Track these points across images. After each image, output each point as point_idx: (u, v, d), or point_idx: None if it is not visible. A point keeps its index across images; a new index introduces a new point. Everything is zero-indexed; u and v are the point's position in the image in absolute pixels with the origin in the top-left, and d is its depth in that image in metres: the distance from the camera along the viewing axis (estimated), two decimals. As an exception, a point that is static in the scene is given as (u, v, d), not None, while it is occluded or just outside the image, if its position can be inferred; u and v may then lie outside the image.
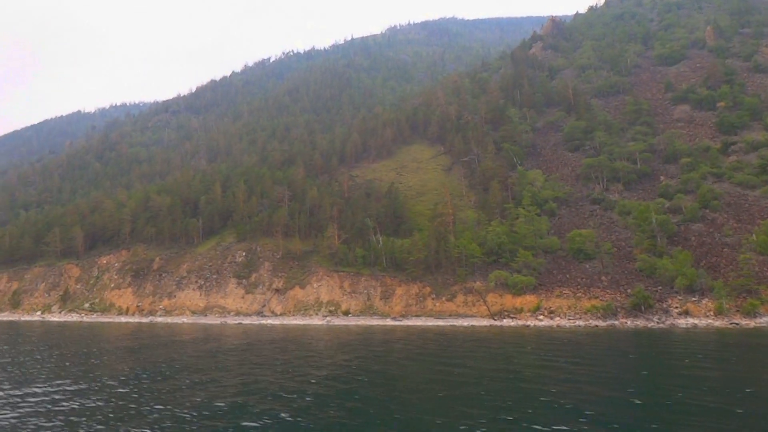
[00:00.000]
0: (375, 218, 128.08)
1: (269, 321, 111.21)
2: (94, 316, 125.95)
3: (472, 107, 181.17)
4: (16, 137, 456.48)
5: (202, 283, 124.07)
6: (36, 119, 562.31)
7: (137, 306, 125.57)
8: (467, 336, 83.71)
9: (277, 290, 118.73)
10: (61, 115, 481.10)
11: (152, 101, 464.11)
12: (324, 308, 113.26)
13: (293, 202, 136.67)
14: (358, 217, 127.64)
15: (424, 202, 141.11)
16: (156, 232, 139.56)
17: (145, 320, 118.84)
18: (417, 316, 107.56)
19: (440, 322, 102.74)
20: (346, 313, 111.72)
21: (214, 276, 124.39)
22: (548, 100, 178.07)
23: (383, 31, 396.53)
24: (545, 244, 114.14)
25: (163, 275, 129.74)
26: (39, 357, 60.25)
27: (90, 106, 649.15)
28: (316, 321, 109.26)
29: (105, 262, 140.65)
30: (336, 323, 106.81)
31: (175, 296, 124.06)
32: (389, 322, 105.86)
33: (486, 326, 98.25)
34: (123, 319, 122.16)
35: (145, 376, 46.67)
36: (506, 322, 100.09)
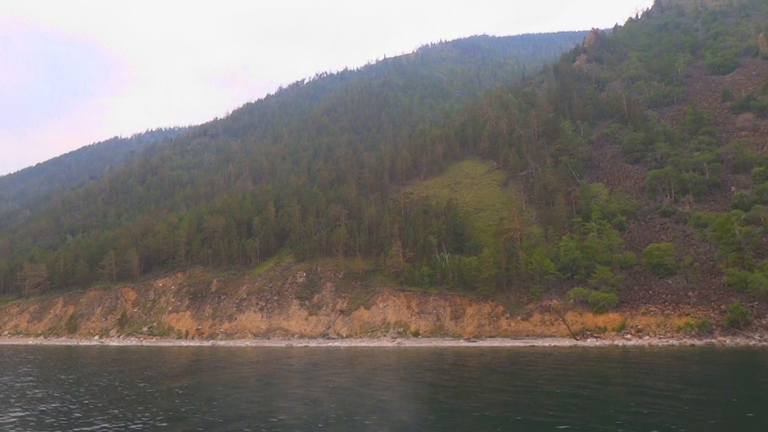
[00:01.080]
0: (436, 235, 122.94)
1: (336, 343, 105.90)
2: (154, 340, 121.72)
3: (521, 121, 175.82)
4: (57, 164, 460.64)
5: (263, 305, 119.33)
6: (75, 146, 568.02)
7: (197, 329, 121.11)
8: (561, 357, 77.59)
9: (341, 311, 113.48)
10: (99, 142, 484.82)
11: (187, 126, 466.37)
12: (392, 329, 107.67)
13: (350, 221, 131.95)
14: (420, 235, 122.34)
15: (482, 219, 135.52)
16: (212, 253, 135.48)
17: (206, 344, 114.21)
18: (491, 336, 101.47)
19: (518, 343, 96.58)
20: (416, 335, 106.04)
21: (275, 297, 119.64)
22: (599, 112, 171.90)
23: (415, 51, 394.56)
24: (621, 260, 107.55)
25: (222, 297, 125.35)
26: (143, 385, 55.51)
27: (126, 132, 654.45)
28: (386, 343, 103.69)
29: (161, 284, 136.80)
30: (407, 345, 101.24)
31: (235, 319, 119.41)
32: (462, 343, 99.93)
33: (568, 346, 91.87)
34: (183, 342, 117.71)
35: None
36: (590, 341, 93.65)
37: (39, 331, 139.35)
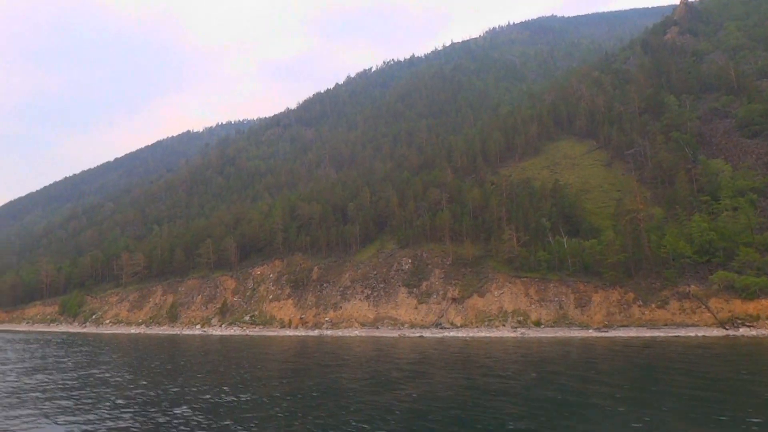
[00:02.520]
0: (547, 218, 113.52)
1: (451, 333, 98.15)
2: (257, 329, 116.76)
3: (619, 98, 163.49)
4: (134, 158, 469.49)
5: (369, 293, 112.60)
6: (149, 141, 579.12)
7: (300, 318, 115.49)
8: (723, 348, 67.62)
9: (453, 299, 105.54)
10: (172, 136, 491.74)
11: (255, 118, 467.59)
12: (510, 318, 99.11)
13: (453, 205, 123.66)
14: (530, 218, 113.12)
15: (591, 200, 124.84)
16: (310, 240, 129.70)
17: (313, 333, 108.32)
18: (624, 326, 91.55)
19: (657, 333, 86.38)
20: (537, 324, 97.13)
21: (381, 285, 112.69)
22: (703, 85, 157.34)
23: (482, 34, 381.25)
24: (762, 240, 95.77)
25: (325, 285, 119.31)
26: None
27: (198, 126, 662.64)
28: (506, 333, 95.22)
29: (259, 273, 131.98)
30: (531, 335, 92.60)
31: (341, 307, 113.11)
32: (592, 333, 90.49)
33: (719, 336, 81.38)
34: (288, 332, 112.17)
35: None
36: (743, 331, 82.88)
37: (140, 320, 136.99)
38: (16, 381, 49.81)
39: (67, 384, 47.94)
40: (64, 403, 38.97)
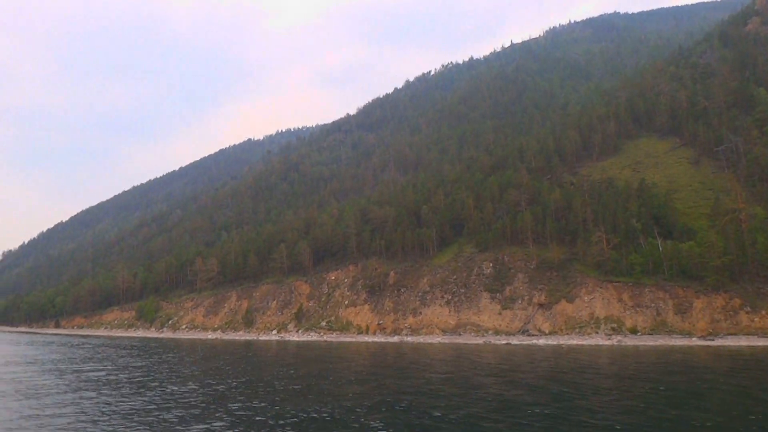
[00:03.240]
0: (636, 219, 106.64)
1: (541, 341, 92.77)
2: (334, 335, 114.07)
3: (702, 92, 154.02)
4: (197, 167, 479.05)
5: (449, 298, 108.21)
6: (212, 150, 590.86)
7: (378, 324, 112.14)
8: None
9: (540, 305, 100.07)
10: (234, 144, 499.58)
11: (314, 125, 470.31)
12: (603, 325, 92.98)
13: (533, 206, 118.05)
14: (619, 219, 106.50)
15: (681, 200, 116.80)
16: (385, 244, 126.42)
17: (392, 339, 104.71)
18: (731, 334, 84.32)
19: (771, 342, 79.22)
20: (633, 331, 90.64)
21: (462, 290, 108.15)
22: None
23: (542, 34, 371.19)
24: None
25: (402, 290, 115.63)
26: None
27: (258, 134, 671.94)
28: (600, 341, 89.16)
29: (334, 278, 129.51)
30: (628, 343, 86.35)
31: (420, 313, 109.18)
32: (696, 342, 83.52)
33: None
34: (367, 338, 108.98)
35: None
36: None
37: (215, 325, 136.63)
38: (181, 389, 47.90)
39: (207, 394, 45.66)
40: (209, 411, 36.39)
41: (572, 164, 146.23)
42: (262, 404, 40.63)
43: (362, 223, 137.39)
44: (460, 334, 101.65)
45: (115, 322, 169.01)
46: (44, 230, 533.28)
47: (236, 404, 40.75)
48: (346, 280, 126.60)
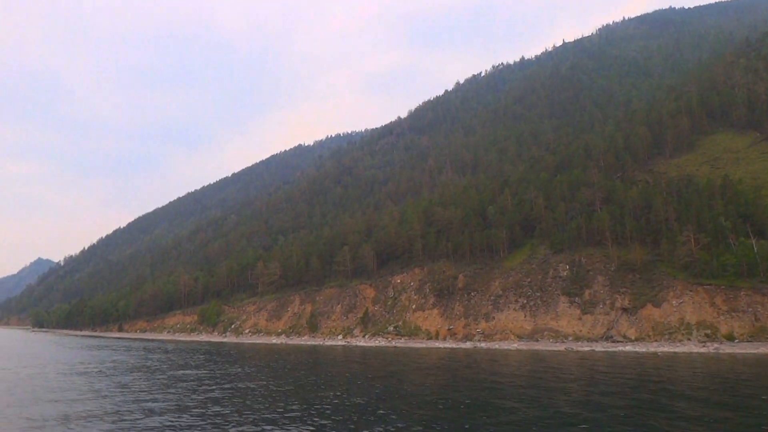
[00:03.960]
0: (724, 218, 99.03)
1: (627, 347, 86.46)
2: (402, 340, 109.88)
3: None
4: (249, 173, 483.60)
5: (524, 302, 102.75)
6: (263, 156, 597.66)
7: (448, 329, 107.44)
8: None
9: (623, 309, 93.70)
10: (285, 150, 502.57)
11: (363, 129, 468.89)
12: (695, 331, 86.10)
13: (610, 206, 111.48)
14: (705, 218, 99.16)
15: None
16: (452, 247, 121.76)
17: (465, 345, 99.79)
18: None
19: None
20: (730, 338, 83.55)
21: (537, 293, 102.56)
22: None
23: (596, 32, 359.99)
24: None
25: (473, 294, 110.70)
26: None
27: (308, 140, 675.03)
28: (693, 348, 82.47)
29: (399, 281, 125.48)
30: (725, 351, 79.39)
31: (493, 318, 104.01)
32: (805, 349, 76.25)
33: None
34: (437, 343, 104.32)
35: None
36: None
37: (279, 330, 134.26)
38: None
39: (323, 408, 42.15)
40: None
41: (643, 162, 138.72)
42: (405, 412, 36.70)
43: (426, 225, 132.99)
44: (537, 340, 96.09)
45: (178, 326, 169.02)
46: (103, 236, 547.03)
47: (386, 411, 37.00)
48: (412, 284, 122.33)
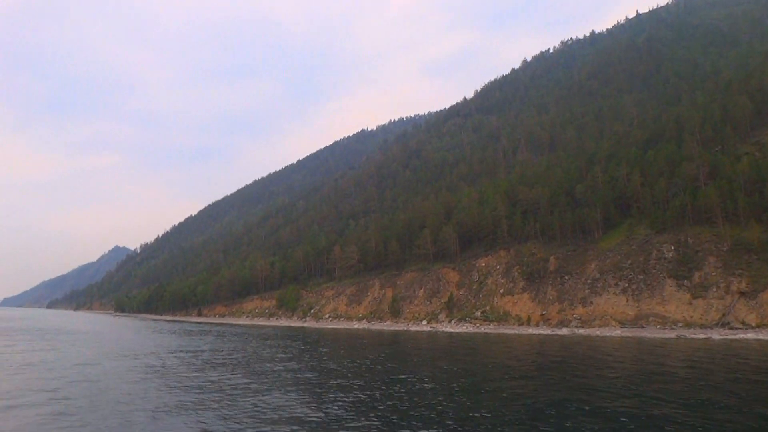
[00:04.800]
0: None
1: (748, 335, 78.23)
2: (491, 326, 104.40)
3: None
4: (314, 159, 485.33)
5: (626, 285, 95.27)
6: (327, 142, 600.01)
7: (541, 315, 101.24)
8: None
9: (740, 293, 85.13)
10: (348, 136, 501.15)
11: (426, 112, 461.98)
12: (829, 317, 77.07)
13: (718, 181, 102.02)
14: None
15: None
16: (540, 228, 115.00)
17: (560, 332, 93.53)
18: None
19: None
20: None
21: (640, 277, 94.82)
22: None
23: (671, 1, 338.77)
24: None
25: (566, 278, 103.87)
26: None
27: (370, 124, 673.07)
28: (829, 335, 73.75)
29: (484, 264, 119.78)
30: None
31: (591, 303, 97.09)
32: None
33: None
34: (530, 329, 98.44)
35: None
36: None
37: (360, 315, 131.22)
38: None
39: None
40: None
41: (745, 133, 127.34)
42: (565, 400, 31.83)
43: (510, 205, 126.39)
44: (642, 327, 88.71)
45: (256, 310, 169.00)
46: (175, 224, 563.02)
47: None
48: (498, 267, 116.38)
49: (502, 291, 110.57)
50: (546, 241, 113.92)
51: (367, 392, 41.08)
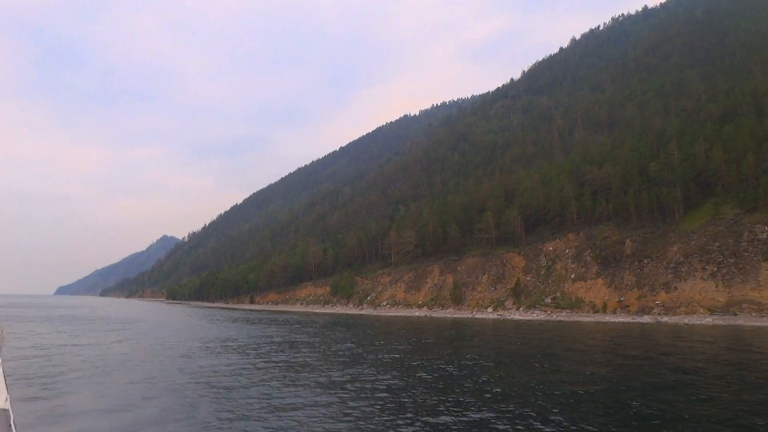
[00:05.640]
0: None
1: None
2: (564, 313, 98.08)
3: None
4: (357, 145, 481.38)
5: (714, 270, 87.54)
6: (369, 129, 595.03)
7: (618, 301, 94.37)
8: None
9: None
10: (391, 122, 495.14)
11: (469, 96, 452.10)
12: None
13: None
14: None
15: None
16: (613, 209, 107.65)
17: (642, 320, 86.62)
18: None
19: None
20: None
21: (731, 260, 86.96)
22: None
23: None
24: None
25: (645, 262, 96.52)
26: None
27: (413, 109, 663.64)
28: None
29: (552, 248, 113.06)
30: None
31: (675, 288, 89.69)
32: None
33: None
34: (607, 317, 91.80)
35: None
36: None
37: (419, 302, 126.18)
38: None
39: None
40: None
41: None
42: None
43: (577, 185, 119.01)
44: (735, 314, 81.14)
45: (310, 297, 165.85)
46: (221, 213, 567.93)
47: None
48: (567, 251, 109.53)
49: (573, 276, 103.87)
50: (620, 222, 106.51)
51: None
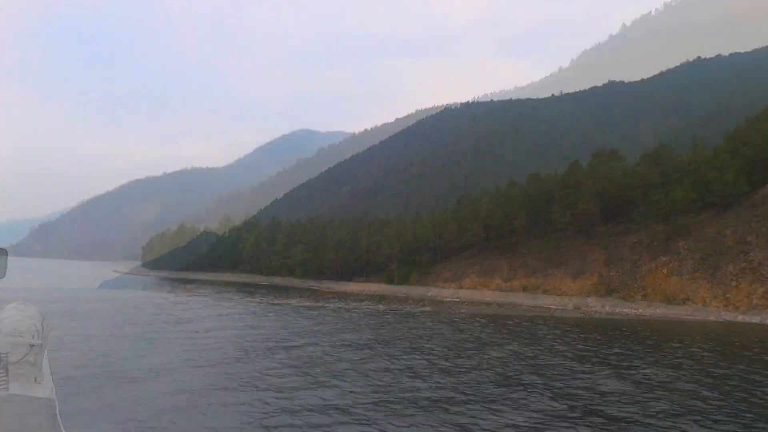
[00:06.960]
0: None
1: None
2: (659, 310, 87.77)
3: None
4: (396, 139, 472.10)
5: None
6: (407, 123, 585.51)
7: (725, 297, 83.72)
8: None
9: None
10: (433, 114, 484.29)
11: (511, 87, 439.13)
12: None
13: None
14: None
15: None
16: (695, 198, 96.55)
17: (753, 320, 76.10)
18: None
19: None
20: None
21: None
22: None
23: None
24: None
25: (751, 254, 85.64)
26: None
27: (455, 101, 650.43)
28: None
29: (636, 240, 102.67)
30: None
31: (792, 283, 78.80)
32: None
33: None
34: (712, 316, 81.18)
35: None
36: None
37: (487, 298, 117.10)
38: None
39: None
40: None
41: None
42: None
43: (659, 174, 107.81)
44: None
45: (364, 292, 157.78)
46: (268, 204, 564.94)
47: None
48: (655, 243, 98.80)
49: (665, 271, 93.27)
50: (717, 211, 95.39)
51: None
